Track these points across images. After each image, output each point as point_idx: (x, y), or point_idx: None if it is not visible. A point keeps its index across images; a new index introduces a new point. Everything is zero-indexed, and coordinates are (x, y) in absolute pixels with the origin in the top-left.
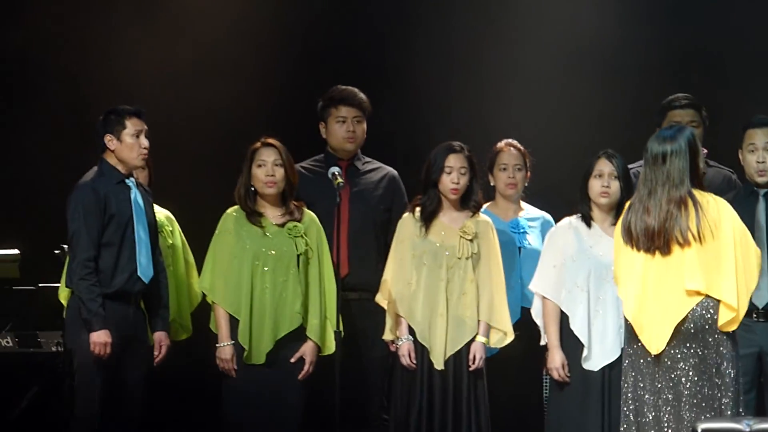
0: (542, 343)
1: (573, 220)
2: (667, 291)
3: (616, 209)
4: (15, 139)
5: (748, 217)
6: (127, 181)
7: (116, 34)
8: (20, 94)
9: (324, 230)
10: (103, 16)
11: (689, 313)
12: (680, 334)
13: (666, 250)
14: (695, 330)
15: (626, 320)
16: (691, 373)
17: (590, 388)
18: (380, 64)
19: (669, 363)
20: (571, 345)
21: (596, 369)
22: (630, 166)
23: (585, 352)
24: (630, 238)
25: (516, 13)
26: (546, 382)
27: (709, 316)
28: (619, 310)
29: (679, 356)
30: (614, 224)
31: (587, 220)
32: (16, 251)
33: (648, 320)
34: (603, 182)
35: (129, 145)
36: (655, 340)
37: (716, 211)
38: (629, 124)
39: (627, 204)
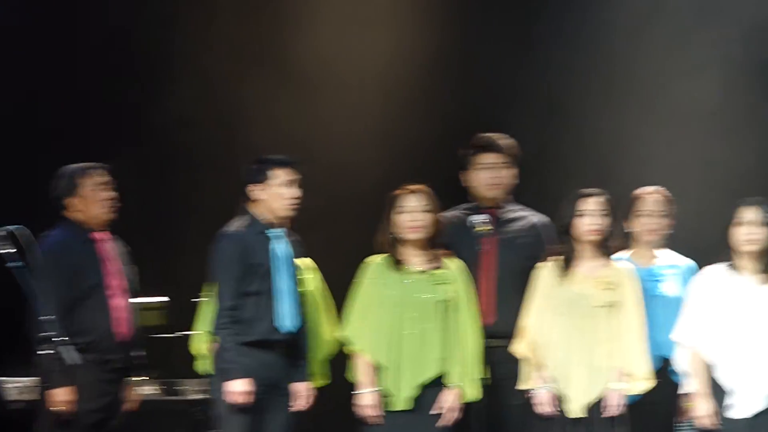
0: (683, 391)
1: (719, 268)
2: None
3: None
4: (163, 188)
5: None
6: (270, 231)
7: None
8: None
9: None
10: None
11: None
12: None
13: None
14: None
15: None
16: None
17: None
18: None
19: None
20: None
21: (741, 417)
22: None
23: (730, 401)
24: None
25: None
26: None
27: None
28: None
29: None
30: (764, 272)
31: (734, 268)
32: (163, 298)
33: None
34: (747, 230)
35: (274, 196)
36: None
37: None
38: None
39: None
